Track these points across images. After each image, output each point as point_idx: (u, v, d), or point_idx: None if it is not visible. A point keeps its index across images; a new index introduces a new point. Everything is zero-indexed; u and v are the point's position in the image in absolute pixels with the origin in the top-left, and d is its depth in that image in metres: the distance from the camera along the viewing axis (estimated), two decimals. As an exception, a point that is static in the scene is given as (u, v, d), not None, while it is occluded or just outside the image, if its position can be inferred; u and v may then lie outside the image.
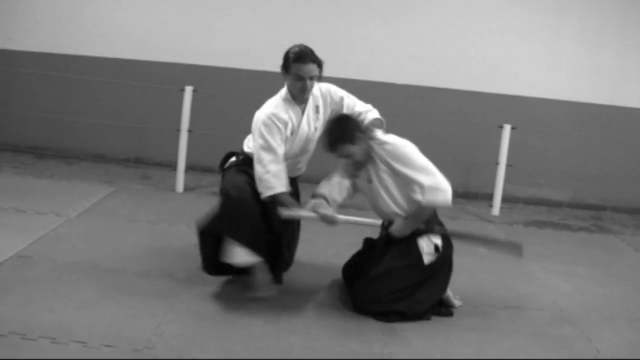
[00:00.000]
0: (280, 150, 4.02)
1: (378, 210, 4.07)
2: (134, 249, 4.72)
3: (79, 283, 4.02)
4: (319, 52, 3.99)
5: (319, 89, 4.18)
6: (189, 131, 6.53)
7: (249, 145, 4.21)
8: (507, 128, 6.70)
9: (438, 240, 3.94)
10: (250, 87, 6.76)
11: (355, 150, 3.90)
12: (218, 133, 6.70)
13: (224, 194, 4.03)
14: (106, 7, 7.25)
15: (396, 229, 3.92)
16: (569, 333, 3.97)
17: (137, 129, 7.27)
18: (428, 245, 3.91)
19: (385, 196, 3.94)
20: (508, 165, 6.77)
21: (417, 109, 7.25)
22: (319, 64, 3.99)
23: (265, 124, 4.00)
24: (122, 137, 7.42)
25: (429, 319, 3.95)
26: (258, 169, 3.98)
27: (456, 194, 7.23)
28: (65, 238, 4.81)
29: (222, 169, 4.34)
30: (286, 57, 4.01)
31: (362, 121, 4.08)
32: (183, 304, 3.86)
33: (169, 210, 5.80)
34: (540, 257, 5.38)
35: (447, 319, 3.99)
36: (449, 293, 4.13)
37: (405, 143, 3.95)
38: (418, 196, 3.79)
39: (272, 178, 3.96)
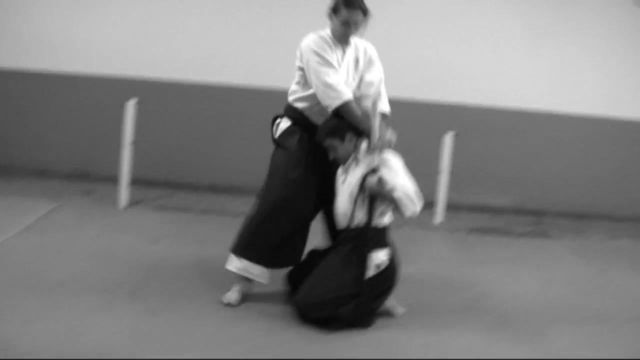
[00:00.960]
0: (337, 66, 4.04)
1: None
2: (77, 264, 4.67)
3: (23, 298, 3.98)
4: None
5: (364, 46, 4.25)
6: (133, 144, 6.47)
7: (297, 95, 4.23)
8: (449, 135, 6.80)
9: (384, 258, 4.01)
10: (195, 100, 6.76)
11: (340, 148, 4.03)
12: (163, 144, 6.67)
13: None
14: (47, 20, 7.16)
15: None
16: (511, 337, 4.05)
17: (81, 144, 7.19)
18: (377, 259, 3.98)
19: (345, 196, 4.04)
20: (451, 173, 6.86)
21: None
22: (365, 12, 4.06)
23: (317, 45, 4.04)
24: (65, 152, 7.33)
25: (369, 325, 4.00)
26: (318, 83, 3.99)
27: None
28: (7, 255, 4.74)
29: (275, 140, 4.36)
30: (337, 1, 4.06)
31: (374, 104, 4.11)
32: (127, 318, 3.83)
33: (113, 225, 5.74)
34: (483, 262, 5.49)
35: (388, 325, 4.04)
36: (393, 301, 4.19)
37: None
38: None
39: (338, 86, 3.97)
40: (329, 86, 3.95)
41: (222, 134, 7.28)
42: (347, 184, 4.06)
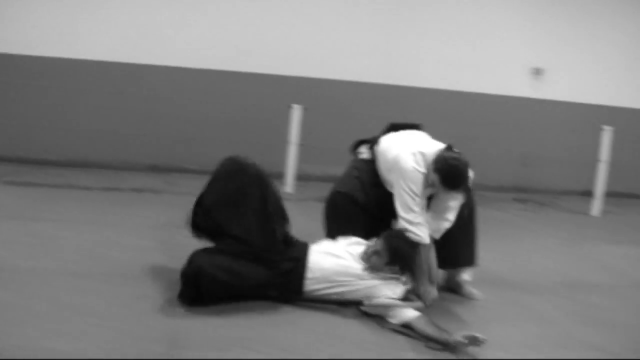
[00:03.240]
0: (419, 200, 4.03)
1: None
2: None
3: None
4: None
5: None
6: None
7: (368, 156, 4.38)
8: (297, 108, 6.99)
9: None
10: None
11: (381, 261, 3.98)
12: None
13: None
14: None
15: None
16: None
17: None
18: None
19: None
20: (300, 145, 7.06)
21: (212, 92, 7.42)
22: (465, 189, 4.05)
23: (414, 175, 4.01)
24: None
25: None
26: (409, 216, 4.02)
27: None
28: None
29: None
30: (446, 174, 3.94)
31: None
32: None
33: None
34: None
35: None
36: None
37: None
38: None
39: (421, 227, 4.02)
40: (413, 228, 4.03)
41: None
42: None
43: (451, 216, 4.15)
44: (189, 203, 4.01)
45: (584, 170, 8.17)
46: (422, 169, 4.02)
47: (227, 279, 3.75)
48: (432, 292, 4.10)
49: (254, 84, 7.48)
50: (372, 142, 4.45)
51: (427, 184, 4.03)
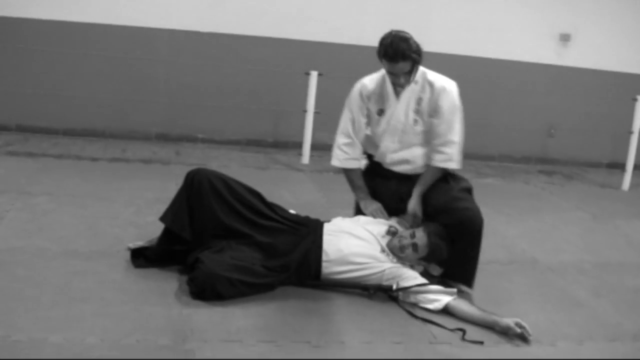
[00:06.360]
0: (356, 124, 3.97)
1: None
2: None
3: None
4: None
5: (430, 84, 3.84)
6: None
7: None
8: (314, 75, 6.62)
9: None
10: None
11: (411, 242, 3.68)
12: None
13: None
14: None
15: None
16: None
17: None
18: None
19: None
20: (316, 113, 6.71)
21: (223, 57, 7.03)
22: (413, 59, 3.70)
23: (351, 93, 3.99)
24: None
25: None
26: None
27: (265, 144, 7.29)
28: None
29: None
30: (378, 48, 3.73)
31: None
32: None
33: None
34: (348, 205, 5.28)
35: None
36: None
37: None
38: None
39: (336, 149, 4.04)
40: (335, 143, 4.06)
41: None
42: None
43: (455, 137, 3.85)
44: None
45: (612, 141, 7.84)
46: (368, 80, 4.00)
47: (242, 277, 3.40)
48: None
49: (267, 49, 7.11)
50: None
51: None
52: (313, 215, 3.93)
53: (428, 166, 3.92)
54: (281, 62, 7.10)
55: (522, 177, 7.12)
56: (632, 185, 7.24)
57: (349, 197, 4.30)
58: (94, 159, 6.08)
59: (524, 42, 7.75)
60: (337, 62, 7.12)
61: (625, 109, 7.20)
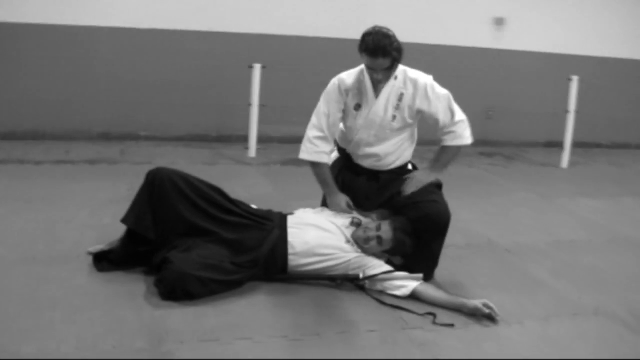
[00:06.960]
0: (331, 118, 3.88)
1: None
2: None
3: None
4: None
5: (413, 81, 3.81)
6: None
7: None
8: (257, 67, 6.59)
9: None
10: None
11: (378, 239, 3.70)
12: None
13: None
14: None
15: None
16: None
17: None
18: None
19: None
20: (261, 105, 6.69)
21: (163, 53, 6.94)
22: (393, 56, 3.65)
23: (328, 88, 3.89)
24: None
25: None
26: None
27: (210, 139, 7.23)
28: None
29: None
30: (360, 42, 3.68)
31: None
32: None
33: None
34: (300, 196, 5.30)
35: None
36: None
37: None
38: None
39: (307, 142, 3.93)
40: (305, 136, 3.94)
41: None
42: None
43: (458, 116, 3.93)
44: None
45: (548, 121, 8.04)
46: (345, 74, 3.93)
47: (212, 275, 3.39)
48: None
49: (208, 43, 7.04)
50: None
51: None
52: (270, 208, 3.94)
53: (442, 147, 4.00)
54: (223, 55, 7.06)
55: (465, 160, 7.23)
56: (571, 162, 7.46)
57: (301, 189, 4.30)
58: (38, 162, 5.92)
59: (460, 27, 7.88)
60: (280, 54, 7.12)
61: (560, 88, 7.41)
